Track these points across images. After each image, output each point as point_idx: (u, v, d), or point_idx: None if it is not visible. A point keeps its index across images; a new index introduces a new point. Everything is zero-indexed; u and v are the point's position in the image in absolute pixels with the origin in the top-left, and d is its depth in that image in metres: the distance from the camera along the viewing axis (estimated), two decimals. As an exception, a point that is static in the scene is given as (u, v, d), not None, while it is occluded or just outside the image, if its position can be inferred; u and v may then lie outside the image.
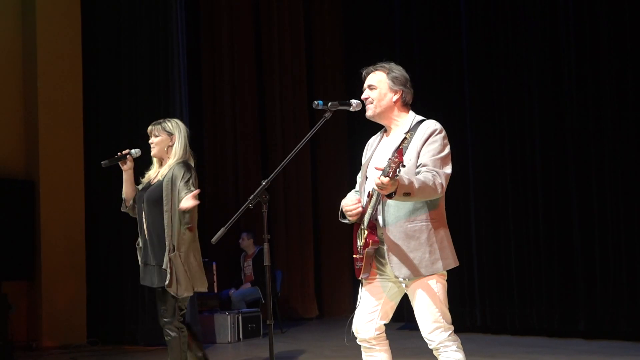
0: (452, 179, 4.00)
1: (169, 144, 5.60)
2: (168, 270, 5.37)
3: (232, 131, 11.40)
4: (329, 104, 4.15)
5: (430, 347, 3.97)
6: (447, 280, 4.00)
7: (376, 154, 4.13)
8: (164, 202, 5.43)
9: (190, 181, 5.46)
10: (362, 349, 4.17)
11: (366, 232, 3.95)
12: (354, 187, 4.32)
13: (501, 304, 8.85)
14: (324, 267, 11.80)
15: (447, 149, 3.95)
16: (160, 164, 5.70)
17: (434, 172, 3.82)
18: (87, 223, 9.38)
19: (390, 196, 3.66)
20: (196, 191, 5.36)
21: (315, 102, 4.15)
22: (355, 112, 4.27)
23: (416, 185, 3.69)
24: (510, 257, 8.78)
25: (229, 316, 9.17)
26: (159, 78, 9.08)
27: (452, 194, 3.87)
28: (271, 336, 4.34)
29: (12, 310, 8.17)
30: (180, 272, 5.41)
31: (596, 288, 8.12)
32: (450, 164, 3.95)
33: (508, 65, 8.88)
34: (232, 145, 11.36)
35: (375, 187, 3.63)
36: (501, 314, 8.86)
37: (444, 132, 3.97)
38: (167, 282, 5.37)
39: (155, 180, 5.60)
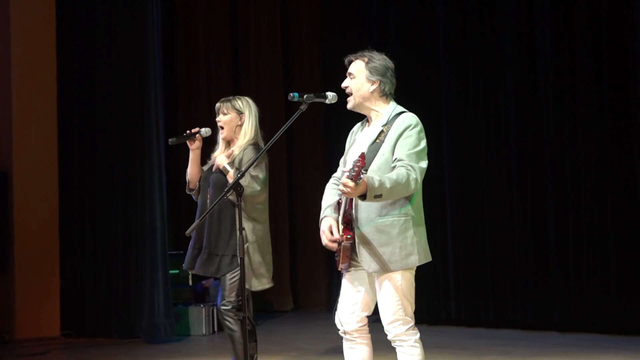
0: (428, 172, 4.00)
1: (238, 124, 5.27)
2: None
3: (209, 121, 11.32)
4: (305, 96, 4.14)
5: (388, 338, 4.02)
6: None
7: (356, 143, 4.12)
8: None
9: (263, 165, 5.11)
10: (343, 341, 4.17)
11: (342, 226, 3.95)
12: (335, 172, 4.31)
13: (475, 297, 8.87)
14: (299, 259, 11.77)
15: (423, 144, 3.93)
16: (228, 145, 5.36)
17: (409, 167, 3.82)
18: (61, 215, 9.30)
19: (362, 198, 3.68)
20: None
21: (291, 94, 4.14)
22: (332, 104, 4.27)
23: (388, 185, 3.67)
24: (485, 249, 8.81)
25: (203, 309, 9.13)
26: (133, 69, 9.00)
27: (427, 186, 3.87)
28: (245, 329, 4.34)
29: (-16, 302, 8.11)
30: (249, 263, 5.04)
31: (570, 281, 8.18)
32: (426, 159, 3.94)
33: (486, 55, 8.86)
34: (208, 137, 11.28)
35: (340, 189, 3.63)
36: (475, 307, 8.88)
37: (419, 126, 3.96)
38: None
39: None
